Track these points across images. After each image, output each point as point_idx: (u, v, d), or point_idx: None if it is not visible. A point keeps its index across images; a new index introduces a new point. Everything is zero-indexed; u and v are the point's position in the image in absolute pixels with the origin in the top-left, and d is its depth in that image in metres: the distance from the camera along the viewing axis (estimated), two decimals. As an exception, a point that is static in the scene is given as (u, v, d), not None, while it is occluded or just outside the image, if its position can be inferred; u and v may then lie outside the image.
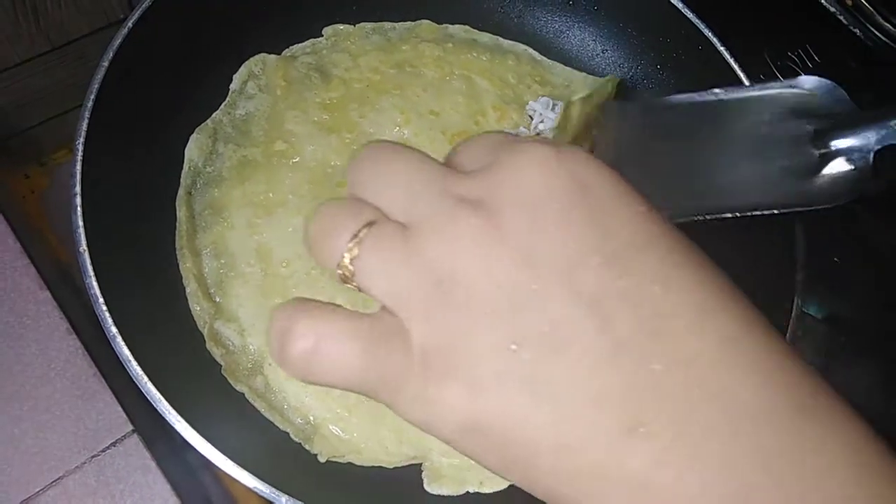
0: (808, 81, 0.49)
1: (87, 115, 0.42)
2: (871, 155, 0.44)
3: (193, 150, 0.49)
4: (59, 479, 0.43)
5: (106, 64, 0.43)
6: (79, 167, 0.41)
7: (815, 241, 0.46)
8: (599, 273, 0.20)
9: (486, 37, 0.58)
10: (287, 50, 0.54)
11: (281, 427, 0.43)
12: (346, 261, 0.22)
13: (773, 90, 0.49)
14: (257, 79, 0.52)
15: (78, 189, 0.40)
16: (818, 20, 0.53)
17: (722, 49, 0.51)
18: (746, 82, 0.50)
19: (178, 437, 0.36)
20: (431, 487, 0.42)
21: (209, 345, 0.44)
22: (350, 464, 0.42)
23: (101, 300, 0.38)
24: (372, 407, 0.43)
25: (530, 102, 0.54)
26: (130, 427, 0.44)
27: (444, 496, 0.42)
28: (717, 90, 0.50)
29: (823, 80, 0.49)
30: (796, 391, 0.20)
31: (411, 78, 0.54)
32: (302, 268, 0.46)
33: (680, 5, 0.52)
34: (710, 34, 0.51)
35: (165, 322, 0.43)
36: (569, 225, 0.21)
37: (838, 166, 0.45)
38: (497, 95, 0.54)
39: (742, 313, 0.21)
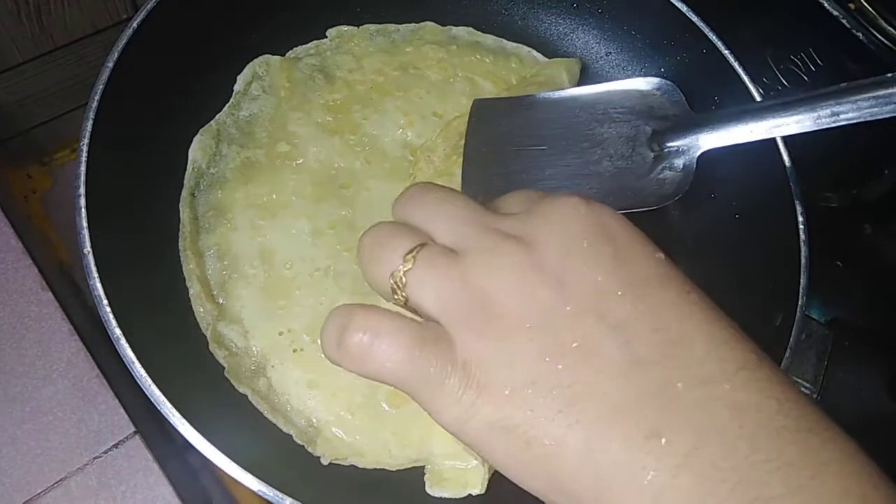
0: (650, 81, 0.50)
1: (91, 115, 0.42)
2: (696, 158, 0.45)
3: (197, 151, 0.49)
4: (61, 480, 0.43)
5: (110, 65, 0.43)
6: (83, 168, 0.41)
7: (818, 245, 0.46)
8: (623, 301, 0.23)
9: (489, 39, 0.58)
10: (291, 51, 0.54)
11: (284, 429, 0.42)
12: (401, 273, 0.25)
13: (621, 87, 0.50)
14: (261, 80, 0.52)
15: (82, 190, 0.40)
16: (821, 23, 0.53)
17: (727, 53, 0.51)
18: (750, 86, 0.50)
19: (181, 438, 0.36)
20: (433, 490, 0.42)
21: (212, 346, 0.44)
22: (353, 466, 0.42)
23: (106, 302, 0.38)
24: (375, 410, 0.43)
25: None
26: (132, 428, 0.44)
27: (445, 499, 0.42)
28: (574, 88, 0.51)
29: (664, 80, 0.50)
30: (805, 415, 0.22)
31: (415, 80, 0.54)
32: (305, 270, 0.46)
33: (684, 9, 0.52)
34: (714, 38, 0.51)
35: (168, 324, 0.43)
36: (597, 259, 0.24)
37: (668, 168, 0.46)
38: (500, 97, 0.54)
39: (752, 348, 0.24)
